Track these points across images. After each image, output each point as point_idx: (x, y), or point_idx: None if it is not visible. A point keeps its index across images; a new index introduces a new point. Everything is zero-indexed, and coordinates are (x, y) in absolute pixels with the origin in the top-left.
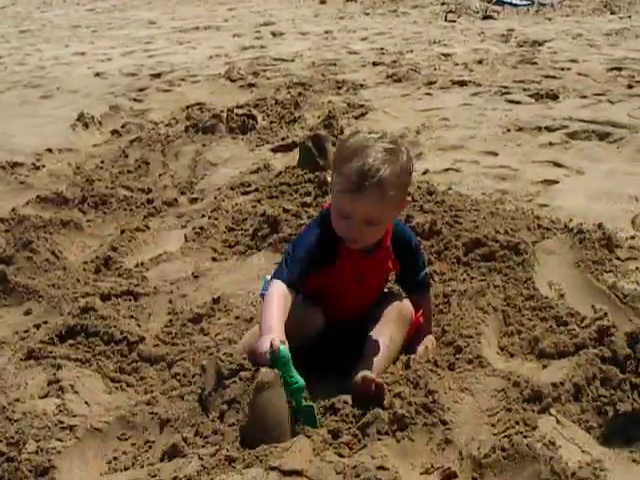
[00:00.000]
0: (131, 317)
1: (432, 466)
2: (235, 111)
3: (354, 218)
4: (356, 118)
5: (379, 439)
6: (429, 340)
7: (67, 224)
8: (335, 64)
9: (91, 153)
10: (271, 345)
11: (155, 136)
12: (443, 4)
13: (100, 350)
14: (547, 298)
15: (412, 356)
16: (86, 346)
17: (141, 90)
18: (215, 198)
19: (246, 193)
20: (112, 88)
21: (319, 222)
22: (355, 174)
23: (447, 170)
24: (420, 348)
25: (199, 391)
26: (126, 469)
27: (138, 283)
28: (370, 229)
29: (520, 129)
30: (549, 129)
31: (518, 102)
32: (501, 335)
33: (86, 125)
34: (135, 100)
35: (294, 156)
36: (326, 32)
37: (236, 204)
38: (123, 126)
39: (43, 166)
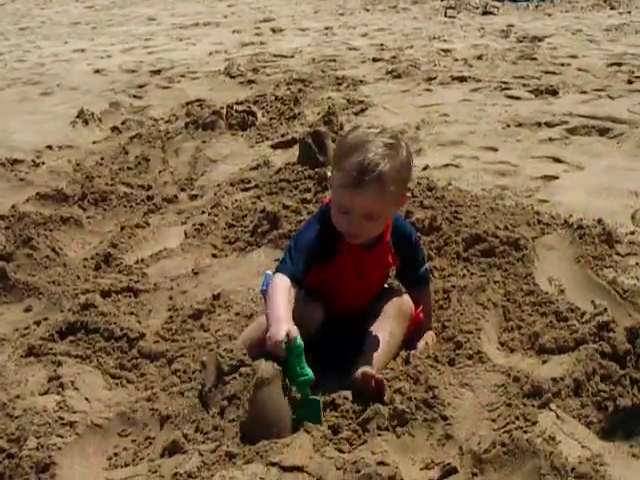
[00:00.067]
0: (131, 313)
1: (432, 461)
2: (235, 107)
3: (354, 213)
4: (356, 114)
5: (379, 434)
6: (429, 336)
7: (67, 221)
8: (335, 60)
9: (91, 150)
10: (287, 334)
11: (155, 133)
12: (443, 0)
13: (100, 346)
14: (547, 293)
15: (412, 352)
16: (86, 343)
17: (141, 87)
18: (215, 194)
19: (246, 189)
20: (112, 85)
21: (319, 218)
22: (355, 169)
23: (447, 166)
24: (420, 344)
25: (199, 387)
26: (126, 465)
27: (138, 279)
28: (370, 224)
29: (520, 125)
30: (549, 125)
31: (518, 98)
32: (501, 330)
33: (86, 122)
34: (135, 97)
35: (294, 152)
36: (326, 28)
37: (236, 200)
38: (123, 123)
39: (43, 163)
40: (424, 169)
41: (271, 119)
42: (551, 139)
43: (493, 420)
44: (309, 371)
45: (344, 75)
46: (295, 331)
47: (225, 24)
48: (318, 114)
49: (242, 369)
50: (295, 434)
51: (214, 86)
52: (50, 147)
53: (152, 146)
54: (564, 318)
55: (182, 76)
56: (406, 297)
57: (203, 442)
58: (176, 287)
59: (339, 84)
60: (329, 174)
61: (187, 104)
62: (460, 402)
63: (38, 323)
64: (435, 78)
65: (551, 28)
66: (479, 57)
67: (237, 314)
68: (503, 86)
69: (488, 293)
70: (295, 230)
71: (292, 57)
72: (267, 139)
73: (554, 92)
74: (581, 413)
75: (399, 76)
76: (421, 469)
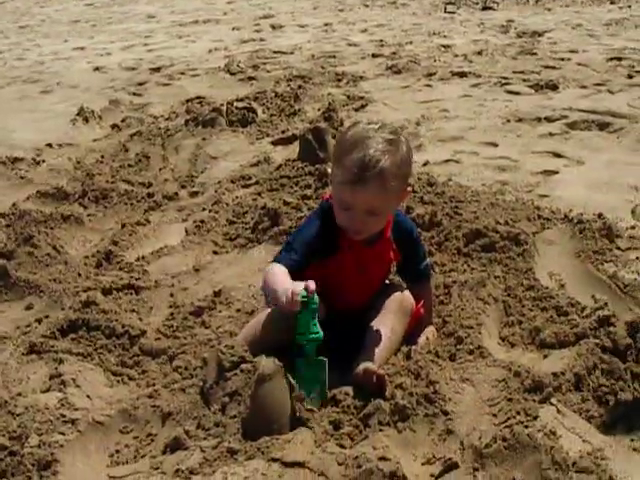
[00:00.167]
0: (132, 311)
1: (433, 456)
2: (235, 104)
3: (356, 209)
4: (356, 110)
5: (380, 430)
6: (430, 331)
7: (68, 219)
8: (335, 56)
9: (91, 147)
10: (305, 289)
11: (155, 130)
12: None
13: (102, 344)
14: (547, 288)
15: (413, 347)
16: (88, 340)
17: (141, 84)
18: (216, 191)
19: (246, 186)
20: (112, 82)
21: (319, 214)
22: (356, 165)
23: (447, 161)
24: (421, 339)
25: (201, 384)
26: (128, 462)
27: (139, 277)
28: (372, 220)
29: (520, 120)
30: (549, 119)
31: (518, 93)
32: (502, 325)
33: (86, 120)
34: (135, 94)
35: (294, 149)
36: (325, 24)
37: (236, 197)
38: (123, 120)
39: (43, 161)
40: (424, 165)
41: (271, 116)
42: (551, 134)
43: (494, 415)
44: (320, 330)
45: (344, 71)
46: (313, 285)
47: (225, 21)
48: (318, 110)
49: (243, 365)
50: (296, 430)
51: (214, 83)
52: (50, 145)
53: (152, 143)
54: (565, 313)
55: (182, 73)
56: (407, 293)
57: (205, 438)
58: (177, 284)
59: (339, 80)
60: (329, 170)
61: (187, 101)
62: (461, 397)
63: (39, 321)
64: (435, 74)
65: (551, 23)
66: (479, 52)
67: (238, 311)
68: (503, 81)
69: (489, 288)
70: (296, 226)
71: (292, 53)
72: (267, 136)
73: (554, 87)
74: (582, 407)
75: (399, 72)
76: (422, 464)
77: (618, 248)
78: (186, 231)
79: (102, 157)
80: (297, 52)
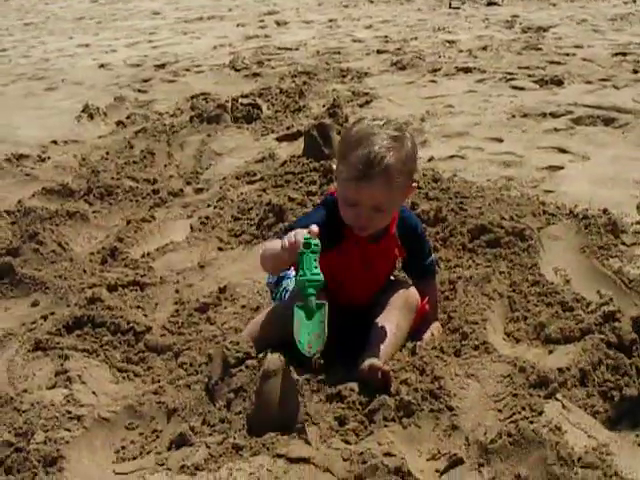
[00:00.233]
0: (138, 307)
1: (439, 452)
2: (240, 101)
3: (361, 205)
4: (361, 106)
5: (386, 426)
6: (435, 327)
7: (73, 215)
8: (339, 52)
9: (96, 144)
10: (309, 232)
11: (160, 127)
12: None
13: (107, 340)
14: (553, 284)
15: (418, 343)
16: (93, 336)
17: (146, 81)
18: (220, 188)
19: (251, 182)
20: (117, 79)
21: (325, 206)
22: (361, 162)
23: (452, 157)
24: (426, 335)
25: (206, 380)
26: (134, 458)
27: (144, 273)
28: (378, 216)
29: (525, 115)
30: (554, 115)
31: (523, 88)
32: (507, 321)
33: (91, 116)
34: (140, 91)
35: (299, 145)
36: (330, 20)
37: (241, 193)
38: (128, 117)
39: (48, 158)
40: (429, 160)
41: (276, 112)
42: (556, 129)
43: (499, 410)
44: (321, 274)
45: (349, 67)
46: (316, 228)
47: (229, 17)
48: (323, 106)
49: (248, 362)
50: (301, 426)
51: (219, 79)
52: (55, 142)
53: (157, 140)
54: (570, 308)
55: (187, 70)
56: (412, 289)
57: (210, 434)
58: (182, 280)
59: (344, 76)
60: (334, 166)
61: (192, 98)
62: (466, 393)
63: (45, 317)
64: (440, 69)
65: (556, 18)
66: (484, 48)
67: (243, 307)
68: (508, 77)
69: (494, 284)
70: None
71: (297, 50)
72: (272, 132)
73: (559, 82)
74: (587, 403)
75: (404, 68)
76: (427, 460)
77: (623, 243)
78: (191, 227)
79: (107, 154)
80: (302, 48)
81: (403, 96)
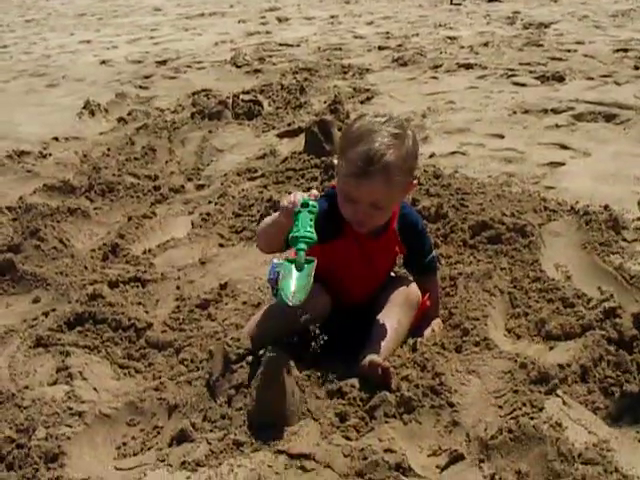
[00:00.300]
0: (139, 304)
1: (439, 448)
2: (241, 97)
3: (360, 202)
4: (362, 103)
5: (386, 422)
6: (436, 323)
7: (74, 212)
8: (341, 49)
9: (97, 141)
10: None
11: (161, 123)
12: None
13: (108, 337)
14: (553, 280)
15: (419, 339)
16: (94, 333)
17: (147, 77)
18: (222, 184)
19: (252, 179)
20: (118, 76)
21: (326, 199)
22: (360, 159)
23: (453, 153)
24: (427, 331)
25: (207, 376)
26: (135, 454)
27: (145, 270)
28: (376, 213)
29: (526, 111)
30: (555, 111)
31: (524, 84)
32: (508, 317)
33: (92, 113)
34: (141, 87)
35: (300, 141)
36: (331, 17)
37: (242, 190)
38: (129, 113)
39: (50, 154)
40: (430, 157)
41: (277, 108)
42: (557, 126)
43: (500, 406)
44: (314, 233)
45: (350, 64)
46: (316, 191)
47: (231, 14)
48: (324, 103)
49: (249, 358)
50: (302, 422)
51: (220, 76)
52: (56, 138)
53: (158, 136)
54: (571, 304)
55: (188, 66)
56: (413, 285)
57: (211, 431)
58: (183, 277)
59: (345, 73)
60: (335, 163)
61: (193, 94)
62: (467, 389)
63: (46, 314)
64: (441, 66)
65: (557, 14)
66: (485, 44)
67: (244, 303)
68: (509, 73)
69: (495, 280)
70: None
71: (298, 46)
72: (273, 128)
73: (560, 78)
74: (588, 399)
75: (405, 64)
76: (428, 456)
77: (624, 240)
78: (192, 224)
79: (108, 150)
80: (303, 45)
81: (404, 92)
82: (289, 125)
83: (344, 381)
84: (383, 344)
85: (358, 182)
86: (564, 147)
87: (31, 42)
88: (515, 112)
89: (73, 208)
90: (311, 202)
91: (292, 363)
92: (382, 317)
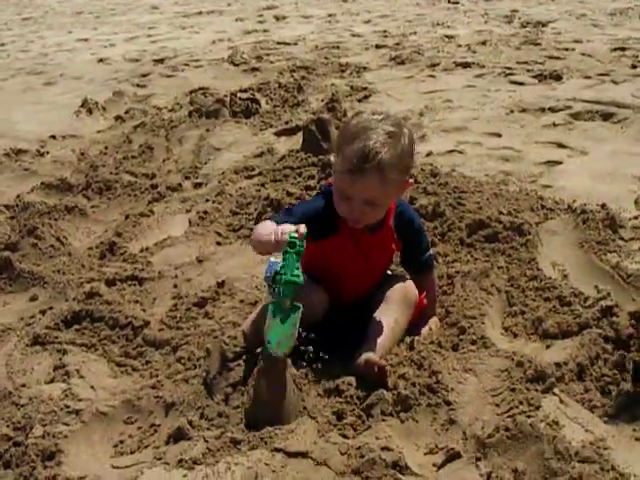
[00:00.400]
0: (136, 302)
1: (436, 446)
2: (239, 95)
3: (354, 199)
4: (359, 101)
5: (383, 420)
6: (433, 321)
7: (72, 210)
8: (338, 47)
9: (95, 139)
10: (296, 231)
11: (159, 121)
12: None
13: (105, 335)
14: (550, 278)
15: (416, 337)
16: (91, 331)
17: (144, 75)
18: (219, 182)
19: (250, 177)
20: (115, 74)
21: (323, 196)
22: (355, 156)
23: (451, 152)
24: (424, 329)
25: (204, 374)
26: (132, 452)
27: (143, 268)
28: (371, 210)
29: (524, 110)
30: (553, 110)
31: (521, 83)
32: (505, 316)
33: (90, 111)
34: (138, 86)
35: (298, 140)
36: (329, 15)
37: (240, 188)
38: (127, 112)
39: (47, 153)
40: (428, 155)
41: (275, 106)
42: (555, 124)
43: (497, 405)
44: (301, 276)
45: (347, 62)
46: (303, 228)
47: (228, 12)
48: (322, 101)
49: (246, 356)
50: (299, 420)
51: (218, 74)
52: (54, 137)
53: (156, 135)
54: (567, 303)
55: (186, 64)
56: (410, 284)
57: (208, 429)
58: (180, 275)
59: (342, 71)
60: (332, 159)
61: (191, 92)
62: (464, 387)
63: (43, 312)
64: (439, 64)
65: (555, 13)
66: (483, 43)
67: (241, 301)
68: (507, 72)
69: (492, 278)
70: None
71: (295, 44)
72: (271, 126)
73: (558, 77)
74: (584, 397)
75: (402, 62)
76: (425, 454)
77: (621, 238)
78: (189, 222)
79: (106, 148)
80: (301, 43)
81: (402, 91)
82: (287, 123)
83: (341, 379)
84: (379, 342)
85: (353, 179)
86: (561, 146)
87: (28, 40)
88: (512, 111)
89: (70, 206)
90: (298, 242)
91: (289, 361)
92: (379, 315)
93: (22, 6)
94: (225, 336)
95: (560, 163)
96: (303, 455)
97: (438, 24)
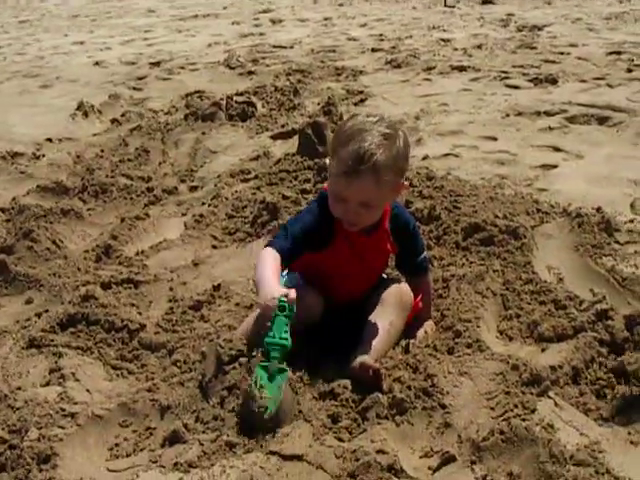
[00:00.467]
0: (132, 305)
1: (431, 449)
2: (234, 99)
3: (350, 201)
4: (355, 104)
5: (379, 423)
6: (428, 325)
7: (67, 213)
8: (334, 51)
9: (91, 142)
10: (286, 295)
11: (155, 124)
12: None
13: (101, 338)
14: (546, 282)
15: (411, 341)
16: (87, 334)
17: (140, 79)
18: (215, 186)
19: (246, 180)
20: (111, 77)
21: (318, 203)
22: (350, 158)
23: (446, 155)
24: (419, 333)
25: (199, 377)
26: (127, 455)
27: (138, 271)
28: (366, 212)
29: (519, 114)
30: (548, 113)
31: (517, 87)
32: (500, 319)
33: (86, 114)
34: (135, 89)
35: (293, 143)
36: (325, 19)
37: (236, 191)
38: (123, 115)
39: (43, 155)
40: (423, 159)
41: (271, 110)
42: (550, 128)
43: (492, 408)
44: (290, 339)
45: (343, 65)
46: (293, 294)
47: (224, 15)
48: (318, 104)
49: (242, 359)
50: (294, 423)
51: (214, 77)
52: (50, 140)
53: (152, 138)
54: (563, 306)
55: (181, 68)
56: (406, 286)
57: (203, 432)
58: (176, 278)
59: (338, 74)
60: (328, 162)
61: (187, 95)
62: (459, 390)
63: (39, 315)
64: (434, 68)
65: (551, 17)
66: (479, 46)
67: (237, 305)
68: (503, 75)
69: (487, 282)
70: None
71: (291, 48)
72: (267, 130)
73: (554, 81)
74: (579, 401)
75: (398, 66)
76: (420, 457)
77: (617, 242)
78: (185, 225)
79: (102, 151)
80: (297, 46)
81: (398, 94)
82: (282, 127)
83: (336, 382)
84: (375, 345)
85: (348, 181)
86: (557, 149)
87: (25, 43)
88: (508, 114)
89: (66, 209)
90: (288, 306)
91: (285, 364)
92: (374, 317)
93: (19, 9)
94: (221, 339)
95: (556, 167)
96: (298, 458)
97: (434, 28)
